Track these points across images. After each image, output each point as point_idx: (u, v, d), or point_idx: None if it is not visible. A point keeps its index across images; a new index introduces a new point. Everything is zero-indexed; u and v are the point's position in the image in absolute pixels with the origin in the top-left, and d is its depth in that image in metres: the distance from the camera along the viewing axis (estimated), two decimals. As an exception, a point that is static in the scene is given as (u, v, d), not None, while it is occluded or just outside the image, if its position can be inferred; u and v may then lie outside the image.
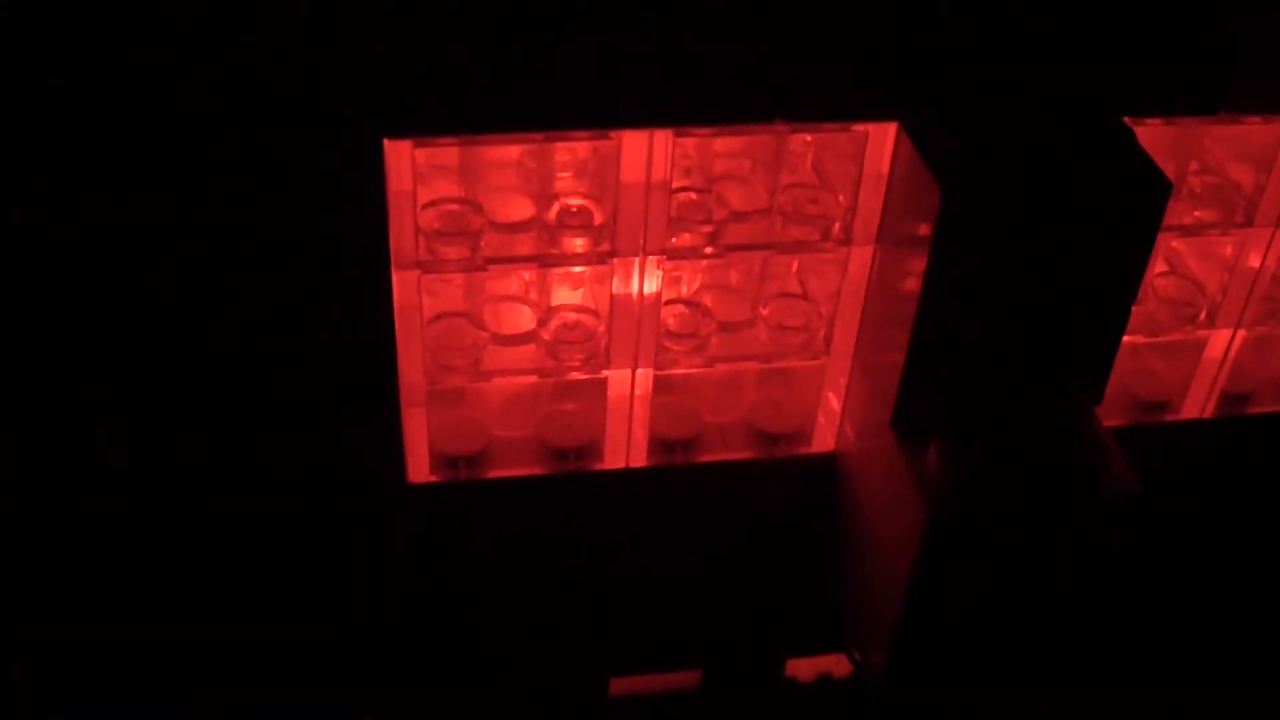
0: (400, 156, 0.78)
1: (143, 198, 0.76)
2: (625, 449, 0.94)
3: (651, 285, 0.87)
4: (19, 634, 0.97)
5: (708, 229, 0.86)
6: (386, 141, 0.76)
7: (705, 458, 0.96)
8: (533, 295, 0.92)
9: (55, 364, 0.82)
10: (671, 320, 0.91)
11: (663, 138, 0.80)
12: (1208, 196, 0.94)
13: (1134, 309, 0.85)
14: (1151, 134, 0.83)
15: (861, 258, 0.88)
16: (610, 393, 0.92)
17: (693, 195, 0.88)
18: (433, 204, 0.85)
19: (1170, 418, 1.03)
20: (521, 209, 0.87)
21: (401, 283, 0.82)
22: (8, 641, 0.97)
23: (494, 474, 0.93)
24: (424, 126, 0.76)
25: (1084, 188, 0.78)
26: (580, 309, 0.91)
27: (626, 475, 0.95)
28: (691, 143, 0.84)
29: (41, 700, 1.00)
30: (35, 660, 0.98)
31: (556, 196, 0.86)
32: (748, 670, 1.15)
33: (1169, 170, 0.81)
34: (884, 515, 0.91)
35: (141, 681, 1.00)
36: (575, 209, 0.86)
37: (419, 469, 0.92)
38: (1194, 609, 1.14)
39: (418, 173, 0.80)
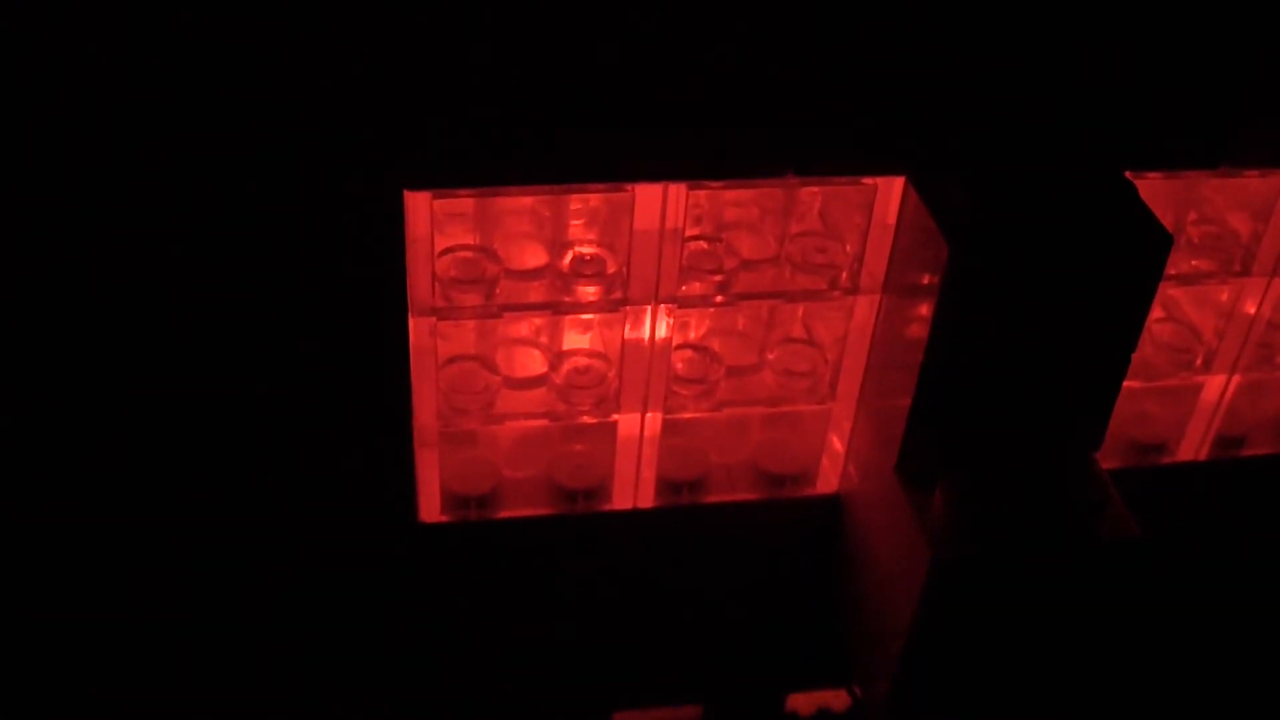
0: (418, 205, 0.79)
1: (171, 246, 0.77)
2: (633, 490, 0.95)
3: (661, 331, 0.88)
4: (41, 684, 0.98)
5: (718, 278, 0.88)
6: (406, 192, 0.78)
7: (712, 498, 0.97)
8: (544, 339, 0.93)
9: (82, 402, 0.83)
10: (681, 365, 0.92)
11: (676, 188, 0.82)
12: (1206, 246, 0.95)
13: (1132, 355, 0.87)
14: (1152, 185, 0.85)
15: (867, 305, 0.89)
16: (619, 435, 0.93)
17: (704, 244, 0.89)
18: (449, 251, 0.86)
19: (1167, 460, 1.04)
20: (535, 256, 0.88)
21: (417, 328, 0.84)
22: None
23: (504, 514, 0.94)
24: (443, 180, 0.78)
25: (1087, 243, 0.80)
26: (591, 354, 0.92)
27: (634, 516, 0.96)
28: (704, 193, 0.85)
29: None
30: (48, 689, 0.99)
31: (570, 244, 0.88)
32: (748, 705, 1.16)
33: (1168, 220, 0.83)
34: (888, 556, 0.92)
35: (155, 714, 1.01)
36: (589, 257, 0.87)
37: (431, 508, 0.93)
38: (1192, 649, 1.15)
39: (434, 220, 0.81)
